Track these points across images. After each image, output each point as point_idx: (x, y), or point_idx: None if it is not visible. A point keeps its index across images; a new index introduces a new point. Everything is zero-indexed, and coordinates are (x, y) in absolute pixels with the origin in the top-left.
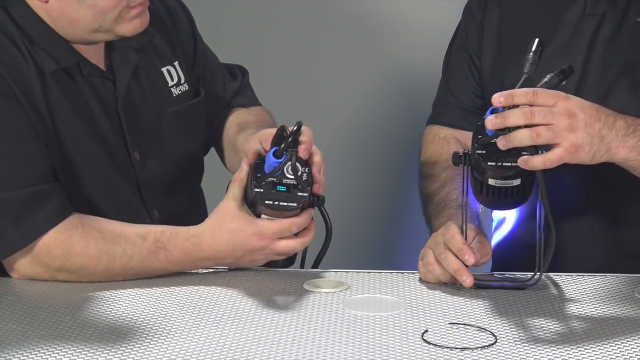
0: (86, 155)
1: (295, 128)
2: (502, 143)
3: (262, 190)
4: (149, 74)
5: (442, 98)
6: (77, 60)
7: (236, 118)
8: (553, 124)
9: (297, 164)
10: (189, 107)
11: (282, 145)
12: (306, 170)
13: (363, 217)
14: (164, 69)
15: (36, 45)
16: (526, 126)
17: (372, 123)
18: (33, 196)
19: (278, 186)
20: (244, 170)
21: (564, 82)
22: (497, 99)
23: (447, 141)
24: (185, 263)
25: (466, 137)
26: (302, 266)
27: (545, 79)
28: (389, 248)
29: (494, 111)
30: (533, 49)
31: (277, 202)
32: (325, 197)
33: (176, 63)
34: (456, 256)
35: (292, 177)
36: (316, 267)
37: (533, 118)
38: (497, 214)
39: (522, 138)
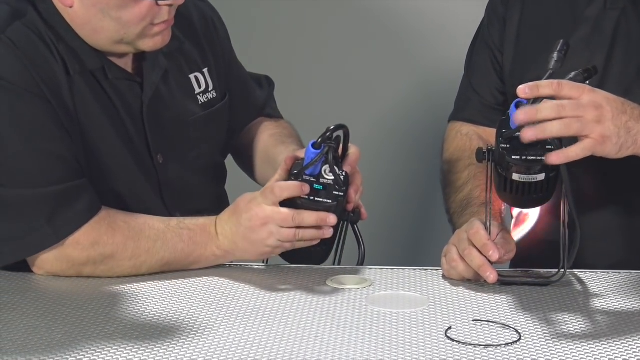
0: (111, 155)
1: (334, 127)
2: (531, 133)
3: None
4: (177, 79)
5: (464, 94)
6: (103, 63)
7: (267, 130)
8: (582, 115)
9: (335, 167)
10: (213, 113)
11: (322, 137)
12: (343, 173)
13: (386, 214)
14: (191, 76)
15: (63, 43)
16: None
17: (393, 121)
18: (65, 193)
19: (314, 185)
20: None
21: (587, 82)
22: (523, 90)
23: (469, 138)
24: (206, 245)
25: (488, 133)
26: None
27: (570, 76)
28: (412, 245)
29: (519, 104)
30: (558, 48)
31: (312, 197)
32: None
33: (205, 70)
34: (480, 252)
35: (330, 177)
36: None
37: (564, 111)
38: (516, 211)
39: (553, 129)
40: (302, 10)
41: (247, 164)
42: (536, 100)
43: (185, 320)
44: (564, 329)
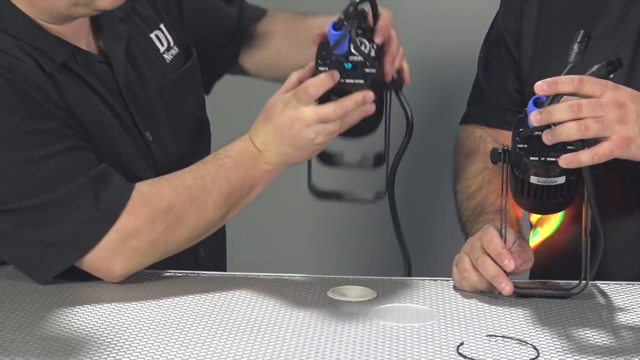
0: (113, 142)
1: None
2: (547, 138)
3: (327, 69)
4: (139, 44)
5: (477, 94)
6: (71, 52)
7: (274, 23)
8: (602, 115)
9: (364, 39)
10: (185, 71)
11: (342, 16)
12: (374, 46)
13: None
14: (152, 35)
15: (26, 45)
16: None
17: (400, 122)
18: (98, 176)
19: (345, 64)
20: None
21: (611, 75)
22: (540, 86)
23: (483, 140)
24: (255, 165)
25: (504, 136)
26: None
27: (593, 69)
28: (420, 253)
29: (537, 101)
30: (579, 39)
31: (343, 80)
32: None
33: (162, 26)
34: (494, 261)
35: (359, 52)
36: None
37: (580, 112)
38: (535, 218)
39: (569, 132)
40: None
41: (272, 68)
42: (555, 97)
43: (175, 334)
44: (585, 345)
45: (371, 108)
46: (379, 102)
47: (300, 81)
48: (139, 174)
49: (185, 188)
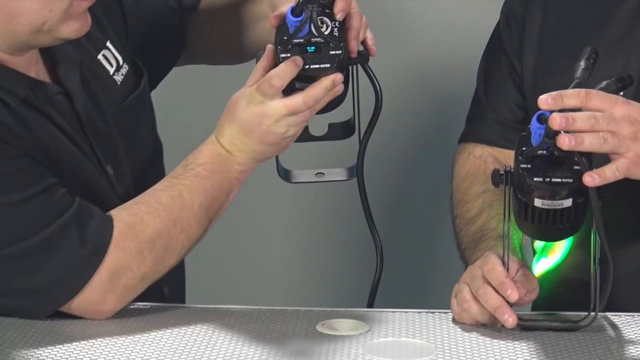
0: (80, 179)
1: None
2: (567, 142)
3: (289, 55)
4: (90, 68)
5: (477, 111)
6: (30, 86)
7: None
8: (615, 131)
9: (325, 18)
10: (138, 95)
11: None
12: (336, 24)
13: (385, 247)
14: (100, 57)
15: None
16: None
17: (397, 141)
18: (78, 212)
19: (307, 47)
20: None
21: (621, 93)
22: (545, 100)
23: (483, 161)
24: (227, 169)
25: (506, 156)
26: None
27: (601, 85)
28: (417, 283)
29: (541, 117)
30: (586, 55)
31: (307, 66)
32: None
33: (109, 43)
34: (497, 291)
35: (320, 34)
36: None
37: (597, 123)
38: (539, 245)
39: (592, 142)
40: None
41: (225, 51)
42: (561, 112)
43: None
44: None
45: (340, 89)
46: (345, 77)
47: (266, 70)
48: (105, 211)
49: (165, 210)
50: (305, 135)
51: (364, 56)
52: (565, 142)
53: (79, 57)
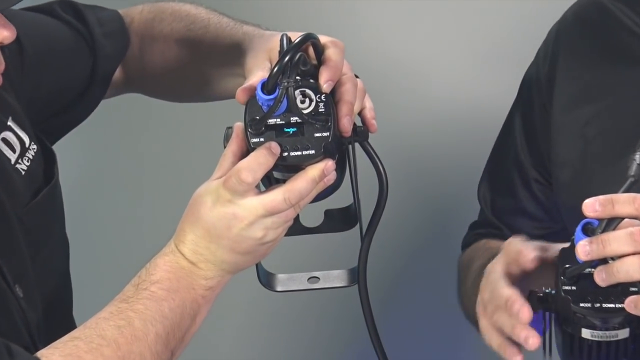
0: None
1: (297, 40)
2: (600, 277)
3: (262, 139)
4: None
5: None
6: None
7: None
8: None
9: (308, 90)
10: (49, 191)
11: (273, 71)
12: (322, 97)
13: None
14: None
15: None
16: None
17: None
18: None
19: (285, 128)
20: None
21: None
22: (591, 206)
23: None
24: (191, 285)
25: None
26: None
27: None
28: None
29: (587, 227)
30: None
31: (285, 154)
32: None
33: (10, 121)
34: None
35: (301, 113)
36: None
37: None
38: None
39: (629, 270)
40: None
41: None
42: (611, 221)
43: None
44: None
45: (332, 178)
46: (340, 159)
47: (237, 157)
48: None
49: (110, 346)
50: (294, 227)
51: (361, 134)
52: (600, 278)
53: None
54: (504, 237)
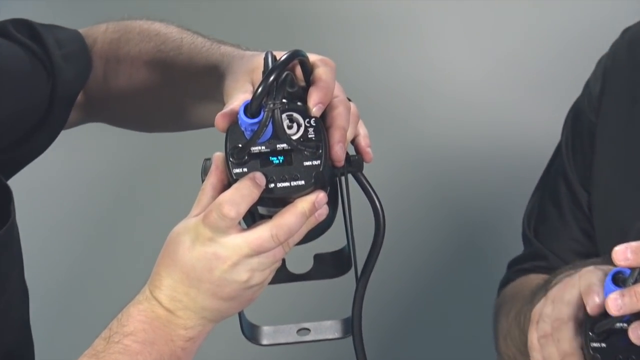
0: None
1: (284, 57)
2: (636, 335)
3: (245, 169)
4: None
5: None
6: None
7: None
8: None
9: (295, 114)
10: (7, 231)
11: (258, 91)
12: (312, 121)
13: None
14: None
15: None
16: None
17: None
18: None
19: (270, 157)
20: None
21: None
22: (622, 254)
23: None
24: (168, 335)
25: None
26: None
27: None
28: None
29: (617, 276)
30: None
31: (272, 185)
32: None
33: None
34: None
35: (289, 138)
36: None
37: None
38: None
39: None
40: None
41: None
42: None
43: None
44: None
45: (323, 212)
46: (332, 193)
47: (217, 191)
48: None
49: None
50: (281, 274)
51: (355, 163)
52: (636, 335)
53: None
54: (551, 270)
